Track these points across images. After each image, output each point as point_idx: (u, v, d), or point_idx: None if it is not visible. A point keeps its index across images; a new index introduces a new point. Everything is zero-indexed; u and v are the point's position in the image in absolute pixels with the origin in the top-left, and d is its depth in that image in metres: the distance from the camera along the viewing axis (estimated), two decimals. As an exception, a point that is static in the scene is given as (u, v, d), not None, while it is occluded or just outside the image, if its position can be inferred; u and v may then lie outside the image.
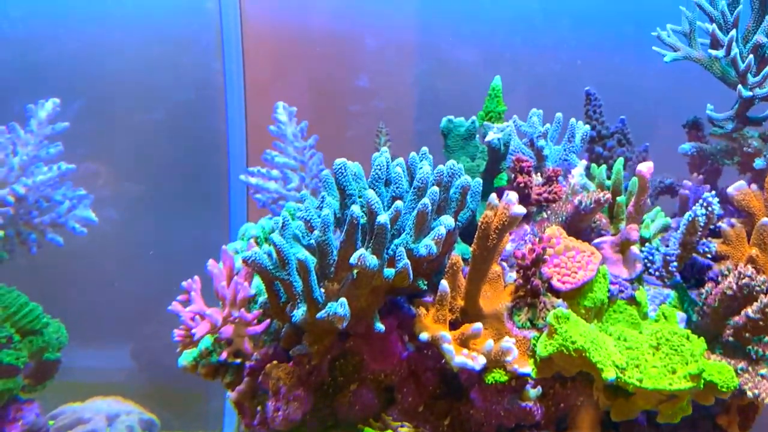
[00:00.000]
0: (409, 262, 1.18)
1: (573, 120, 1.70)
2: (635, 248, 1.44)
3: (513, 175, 1.50)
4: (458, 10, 2.75)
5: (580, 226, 1.49)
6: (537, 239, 1.34)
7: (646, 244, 1.53)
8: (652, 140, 2.23)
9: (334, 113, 2.78)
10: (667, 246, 1.49)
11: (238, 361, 1.45)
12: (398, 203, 1.20)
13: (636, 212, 1.46)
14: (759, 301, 1.29)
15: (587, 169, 1.64)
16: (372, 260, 1.15)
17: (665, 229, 1.61)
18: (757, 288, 1.31)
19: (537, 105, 2.74)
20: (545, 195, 1.47)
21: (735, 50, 1.48)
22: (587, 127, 1.71)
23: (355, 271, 1.19)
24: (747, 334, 1.32)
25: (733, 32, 1.49)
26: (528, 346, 1.28)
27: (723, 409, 1.43)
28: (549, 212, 1.54)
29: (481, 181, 1.37)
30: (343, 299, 1.16)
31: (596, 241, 1.49)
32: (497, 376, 1.24)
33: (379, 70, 2.78)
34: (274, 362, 1.34)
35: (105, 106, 2.51)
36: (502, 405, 1.27)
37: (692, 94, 1.97)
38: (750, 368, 1.31)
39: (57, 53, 2.45)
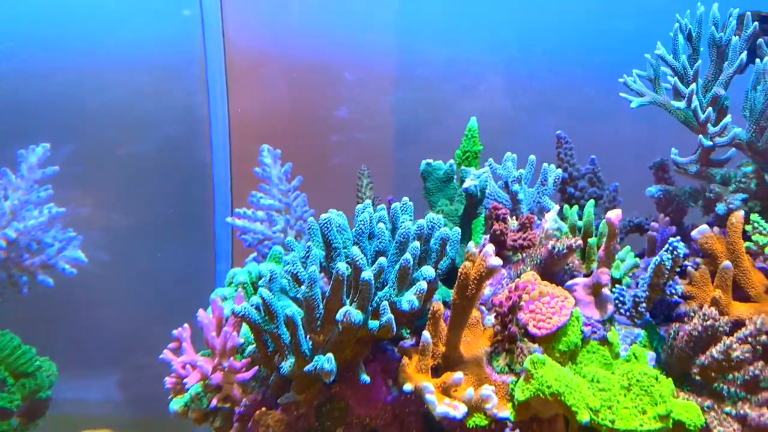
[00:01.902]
0: (392, 317, 1.24)
1: (545, 164, 1.78)
2: (606, 290, 1.52)
3: (490, 222, 1.56)
4: (435, 40, 2.84)
5: (554, 270, 1.57)
6: (513, 286, 1.41)
7: (617, 285, 1.61)
8: (622, 165, 2.31)
9: (316, 142, 2.85)
10: (637, 285, 1.57)
11: (227, 405, 1.50)
12: (381, 259, 1.27)
13: (606, 257, 1.53)
14: (722, 342, 1.38)
15: (560, 210, 1.72)
16: (357, 316, 1.21)
17: (635, 267, 1.69)
18: (720, 329, 1.39)
19: (511, 134, 2.82)
20: (520, 242, 1.54)
21: (695, 102, 1.56)
22: (559, 170, 1.78)
23: (341, 325, 1.25)
24: (712, 373, 1.40)
25: (693, 85, 1.57)
26: (506, 391, 1.34)
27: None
28: (524, 255, 1.61)
29: (459, 230, 1.43)
30: (330, 355, 1.21)
31: (569, 283, 1.56)
32: (478, 420, 1.30)
33: (359, 99, 2.86)
34: (263, 409, 1.39)
35: (91, 141, 2.55)
36: (482, 448, 1.33)
37: (661, 121, 2.06)
38: (716, 406, 1.39)
39: (44, 86, 2.48)
